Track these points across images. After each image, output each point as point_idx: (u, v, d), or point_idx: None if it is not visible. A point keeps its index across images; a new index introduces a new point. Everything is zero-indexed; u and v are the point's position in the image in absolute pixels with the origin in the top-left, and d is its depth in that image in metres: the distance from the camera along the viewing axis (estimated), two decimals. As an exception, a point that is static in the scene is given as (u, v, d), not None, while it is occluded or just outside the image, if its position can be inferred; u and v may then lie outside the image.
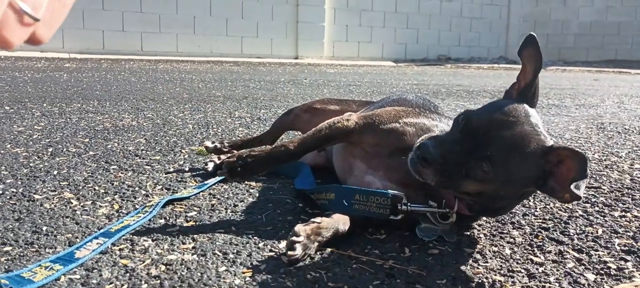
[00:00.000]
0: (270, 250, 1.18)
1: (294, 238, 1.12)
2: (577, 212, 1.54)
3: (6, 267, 1.06)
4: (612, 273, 1.13)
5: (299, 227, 1.15)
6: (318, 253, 1.18)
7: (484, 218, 1.42)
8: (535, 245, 1.28)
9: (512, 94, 1.25)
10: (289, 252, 1.11)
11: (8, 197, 1.51)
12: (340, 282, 1.05)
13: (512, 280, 1.09)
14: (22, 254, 1.13)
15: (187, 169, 1.90)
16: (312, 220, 1.20)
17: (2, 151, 2.07)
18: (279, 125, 2.07)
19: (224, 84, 5.36)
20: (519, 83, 1.25)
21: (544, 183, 1.10)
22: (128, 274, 1.05)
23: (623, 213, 1.55)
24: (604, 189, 1.79)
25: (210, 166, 1.83)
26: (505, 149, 1.09)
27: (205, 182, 1.67)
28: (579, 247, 1.28)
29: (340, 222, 1.24)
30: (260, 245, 1.21)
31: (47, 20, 0.49)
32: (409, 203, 1.26)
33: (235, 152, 1.98)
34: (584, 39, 13.45)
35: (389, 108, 1.52)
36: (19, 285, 0.94)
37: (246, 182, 1.71)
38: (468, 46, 13.29)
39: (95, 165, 1.91)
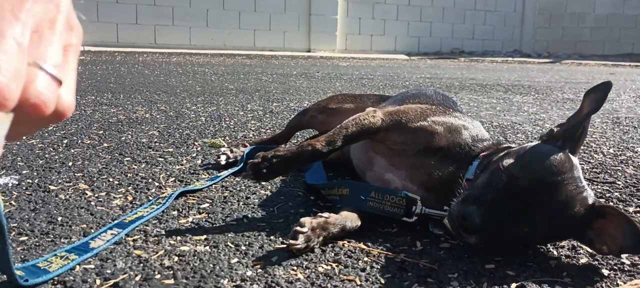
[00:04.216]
0: (282, 243, 1.19)
1: (298, 228, 1.13)
2: (591, 207, 1.53)
3: (22, 256, 1.08)
4: (626, 268, 1.12)
5: (305, 219, 1.16)
6: (329, 245, 1.18)
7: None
8: (548, 240, 1.27)
9: (556, 135, 1.21)
10: (291, 241, 1.11)
11: (24, 188, 1.53)
12: (351, 274, 1.05)
13: (525, 274, 1.08)
14: (37, 244, 1.15)
15: (199, 161, 1.91)
16: (320, 214, 1.20)
17: (18, 143, 2.09)
18: (294, 124, 2.05)
19: (237, 77, 5.37)
20: (568, 124, 1.20)
21: (582, 235, 1.13)
22: (141, 265, 1.06)
23: (638, 208, 1.53)
24: (619, 184, 1.77)
25: (223, 159, 1.84)
26: (550, 214, 1.09)
27: (218, 175, 1.68)
28: (592, 242, 1.27)
29: (348, 219, 1.24)
30: (272, 237, 1.22)
31: (68, 84, 0.42)
32: (424, 207, 1.25)
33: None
34: (601, 32, 13.25)
35: (414, 105, 1.49)
36: (34, 276, 0.96)
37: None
38: (482, 39, 13.17)
39: (110, 157, 1.93)
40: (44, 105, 0.38)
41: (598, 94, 1.15)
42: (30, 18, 0.38)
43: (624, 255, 1.14)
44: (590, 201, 1.11)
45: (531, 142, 1.28)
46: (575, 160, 1.14)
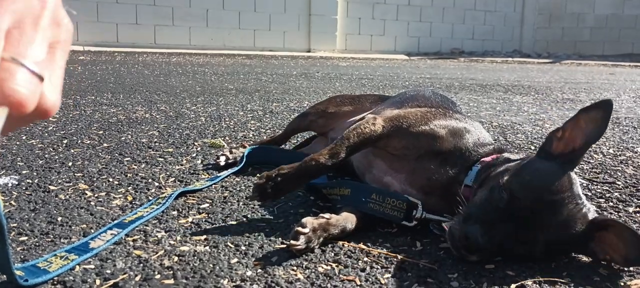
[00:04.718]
0: (282, 243, 1.19)
1: (299, 229, 1.13)
2: (591, 207, 1.53)
3: (22, 256, 1.08)
4: (626, 268, 1.12)
5: (306, 219, 1.15)
6: (329, 245, 1.18)
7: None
8: (548, 240, 1.27)
9: (552, 142, 1.20)
10: (292, 241, 1.11)
11: (24, 188, 1.53)
12: (351, 275, 1.05)
13: (525, 274, 1.08)
14: (37, 244, 1.15)
15: (199, 162, 1.91)
16: (322, 215, 1.20)
17: (18, 143, 2.09)
18: (293, 128, 2.05)
19: (237, 77, 5.37)
20: (565, 136, 1.18)
21: (585, 249, 1.14)
22: (141, 265, 1.06)
23: (638, 208, 1.53)
24: (619, 185, 1.77)
25: (222, 160, 1.84)
26: (551, 233, 1.09)
27: (218, 175, 1.68)
28: (592, 242, 1.27)
29: (348, 220, 1.24)
30: (272, 237, 1.22)
31: (53, 82, 0.41)
32: (424, 212, 1.25)
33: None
34: (600, 33, 13.25)
35: (413, 109, 1.49)
36: (34, 276, 0.96)
37: (257, 174, 1.71)
38: (482, 39, 13.17)
39: (110, 157, 1.93)
40: (22, 101, 0.37)
41: (598, 115, 1.13)
42: (7, 14, 0.37)
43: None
44: (591, 216, 1.11)
45: (531, 152, 1.27)
46: (573, 175, 1.15)
